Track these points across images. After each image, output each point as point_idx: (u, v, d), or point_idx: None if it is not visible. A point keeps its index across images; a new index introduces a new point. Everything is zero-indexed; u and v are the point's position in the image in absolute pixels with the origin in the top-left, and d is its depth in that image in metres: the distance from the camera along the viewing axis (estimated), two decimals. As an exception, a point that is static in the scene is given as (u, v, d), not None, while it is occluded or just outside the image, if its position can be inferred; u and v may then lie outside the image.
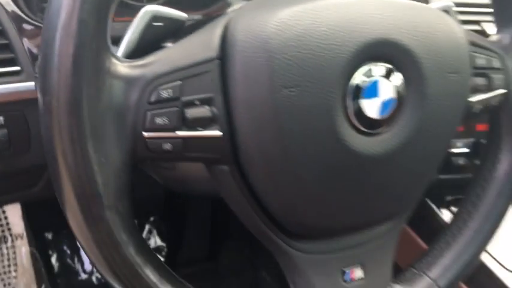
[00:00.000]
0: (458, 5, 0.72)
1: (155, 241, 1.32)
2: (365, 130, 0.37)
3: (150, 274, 0.36)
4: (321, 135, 0.36)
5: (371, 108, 0.37)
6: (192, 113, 0.34)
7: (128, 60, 0.34)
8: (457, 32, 0.41)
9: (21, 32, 0.52)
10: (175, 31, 0.39)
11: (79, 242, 0.35)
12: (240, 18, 0.36)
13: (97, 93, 0.32)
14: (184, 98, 0.34)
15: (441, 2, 0.48)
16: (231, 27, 0.35)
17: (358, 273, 0.43)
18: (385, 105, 0.37)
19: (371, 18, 0.37)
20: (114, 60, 0.33)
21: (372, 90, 0.37)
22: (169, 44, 0.40)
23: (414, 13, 0.39)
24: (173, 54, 0.35)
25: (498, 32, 0.48)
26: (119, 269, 0.35)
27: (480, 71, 0.44)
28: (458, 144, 0.71)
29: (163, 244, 1.32)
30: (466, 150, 0.73)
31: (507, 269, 0.71)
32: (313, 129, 0.36)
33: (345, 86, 0.36)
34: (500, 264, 0.71)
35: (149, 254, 0.37)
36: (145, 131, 0.34)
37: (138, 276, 0.35)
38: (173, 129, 0.34)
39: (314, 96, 0.35)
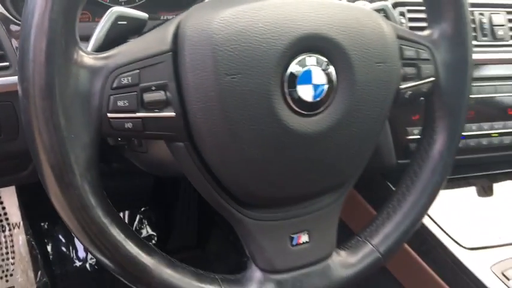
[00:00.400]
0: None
1: (146, 230, 1.38)
2: (301, 112, 0.44)
3: (116, 233, 0.42)
4: (261, 116, 0.42)
5: (305, 93, 0.43)
6: (149, 97, 0.41)
7: (93, 53, 0.41)
8: (384, 27, 0.47)
9: (9, 32, 0.58)
10: (138, 28, 0.46)
11: (55, 207, 0.41)
12: (190, 17, 0.42)
13: (66, 81, 0.38)
14: (142, 85, 0.41)
15: (378, 2, 0.54)
16: (182, 25, 0.42)
17: (304, 238, 0.50)
18: (317, 90, 0.44)
19: (304, 16, 0.43)
20: (81, 53, 0.39)
21: (306, 78, 0.43)
22: (132, 40, 0.46)
23: (344, 12, 0.46)
24: (132, 48, 0.41)
25: (428, 27, 0.54)
26: (89, 229, 0.41)
27: (409, 62, 0.50)
28: (415, 131, 0.77)
29: (154, 233, 1.38)
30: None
31: (460, 245, 0.77)
32: (255, 111, 0.42)
33: (282, 74, 0.43)
34: (454, 240, 0.77)
35: (115, 216, 0.43)
36: (109, 112, 0.40)
37: (106, 235, 0.42)
38: (133, 111, 0.41)
39: (254, 83, 0.41)
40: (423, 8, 0.56)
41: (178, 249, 1.34)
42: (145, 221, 1.38)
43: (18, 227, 0.92)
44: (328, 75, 0.44)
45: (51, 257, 1.27)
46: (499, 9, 0.81)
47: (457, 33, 0.53)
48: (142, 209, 1.37)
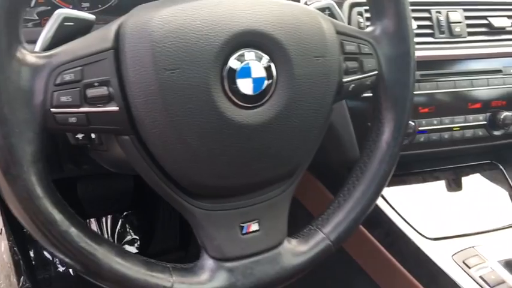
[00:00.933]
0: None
1: (130, 234, 1.40)
2: (242, 104, 0.46)
3: (64, 224, 0.44)
4: (202, 109, 0.45)
5: (245, 86, 0.45)
6: (91, 92, 0.43)
7: (37, 51, 0.43)
8: (322, 23, 0.50)
9: None
10: (86, 29, 0.48)
11: (5, 199, 0.43)
12: (131, 17, 0.45)
13: (9, 77, 0.40)
14: (85, 81, 0.43)
15: (323, 1, 0.57)
16: (124, 24, 0.44)
17: (254, 227, 0.52)
18: (257, 83, 0.46)
19: (241, 13, 0.46)
20: (24, 52, 0.42)
21: (245, 72, 0.45)
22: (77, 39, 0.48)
23: (281, 9, 0.48)
24: (75, 46, 0.43)
25: (371, 24, 0.57)
26: (37, 219, 0.43)
27: (350, 56, 0.52)
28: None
29: (137, 237, 1.40)
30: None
31: (423, 236, 0.79)
32: (195, 104, 0.44)
33: (221, 68, 0.45)
34: (417, 231, 0.79)
35: (64, 207, 0.45)
36: (53, 107, 0.42)
37: (54, 225, 0.43)
38: (76, 106, 0.43)
39: (193, 77, 0.44)
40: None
41: (161, 251, 1.35)
42: (128, 225, 1.40)
43: (0, 234, 0.93)
44: (267, 69, 0.46)
45: (34, 262, 1.28)
46: (456, 7, 0.84)
47: (398, 28, 0.55)
48: (124, 213, 1.39)
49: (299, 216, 0.71)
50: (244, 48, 0.45)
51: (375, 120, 0.58)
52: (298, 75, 0.48)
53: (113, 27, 0.44)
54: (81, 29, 0.47)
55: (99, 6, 0.73)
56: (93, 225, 1.36)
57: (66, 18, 0.46)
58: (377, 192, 0.58)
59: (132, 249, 1.38)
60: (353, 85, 0.53)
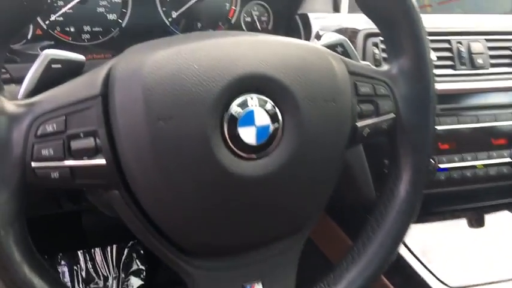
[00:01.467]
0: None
1: (136, 264, 1.35)
2: (244, 155, 0.41)
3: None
4: (200, 163, 0.40)
5: (248, 135, 0.41)
6: (76, 144, 0.39)
7: (16, 99, 0.39)
8: (333, 63, 0.45)
9: None
10: (76, 71, 0.44)
11: None
12: (122, 60, 0.41)
13: None
14: (69, 131, 0.39)
15: (334, 38, 0.52)
16: (113, 68, 0.40)
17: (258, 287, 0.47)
18: (261, 132, 0.41)
19: (241, 56, 0.41)
20: (2, 99, 0.38)
21: (247, 119, 0.41)
22: (62, 84, 0.44)
23: (286, 49, 0.43)
24: (59, 93, 0.39)
25: (387, 62, 0.52)
26: (14, 285, 0.39)
27: (365, 98, 0.48)
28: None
29: (143, 267, 1.35)
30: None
31: (445, 284, 0.73)
32: (192, 156, 0.40)
33: (221, 116, 0.40)
34: (438, 279, 0.73)
35: (43, 271, 0.40)
36: (33, 161, 0.38)
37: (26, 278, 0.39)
38: (59, 159, 0.39)
39: (189, 127, 0.39)
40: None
41: (167, 283, 1.30)
42: (134, 255, 1.35)
43: None
44: (272, 116, 0.42)
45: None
46: (477, 36, 0.79)
47: (416, 67, 0.50)
48: (130, 243, 1.35)
49: (312, 257, 0.66)
50: (246, 93, 0.41)
51: (392, 165, 0.53)
52: (307, 121, 0.43)
53: (102, 71, 0.40)
54: (71, 70, 0.43)
55: (100, 37, 0.70)
56: (98, 255, 1.32)
57: (54, 60, 0.42)
58: (394, 247, 0.52)
59: (138, 280, 1.33)
60: (368, 130, 0.49)
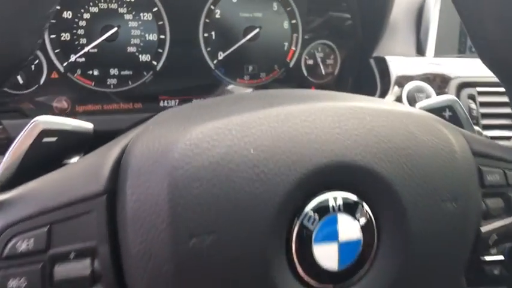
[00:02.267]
0: None
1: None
2: (317, 286, 0.27)
3: None
4: None
5: (326, 256, 0.28)
6: (62, 270, 0.25)
7: None
8: (453, 143, 0.30)
9: None
10: (80, 146, 0.31)
11: None
12: (141, 138, 0.27)
13: None
14: (53, 250, 0.25)
15: (440, 98, 0.37)
16: (128, 151, 0.27)
17: None
18: (346, 251, 0.28)
19: (325, 135, 0.27)
20: None
21: (327, 232, 0.28)
22: (73, 161, 0.31)
23: (387, 124, 0.29)
24: (43, 188, 0.26)
25: None
26: None
27: (493, 191, 0.34)
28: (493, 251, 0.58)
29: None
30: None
31: None
32: None
33: (288, 228, 0.27)
34: None
35: None
36: None
37: None
38: None
39: (237, 245, 0.26)
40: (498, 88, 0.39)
41: None
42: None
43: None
44: (363, 226, 0.28)
45: None
46: None
47: None
48: None
49: None
50: (327, 191, 0.27)
51: None
52: (415, 233, 0.29)
53: (110, 155, 0.27)
54: (71, 145, 0.30)
55: (129, 83, 0.57)
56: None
57: (46, 132, 0.29)
58: None
59: None
60: (495, 237, 0.33)
